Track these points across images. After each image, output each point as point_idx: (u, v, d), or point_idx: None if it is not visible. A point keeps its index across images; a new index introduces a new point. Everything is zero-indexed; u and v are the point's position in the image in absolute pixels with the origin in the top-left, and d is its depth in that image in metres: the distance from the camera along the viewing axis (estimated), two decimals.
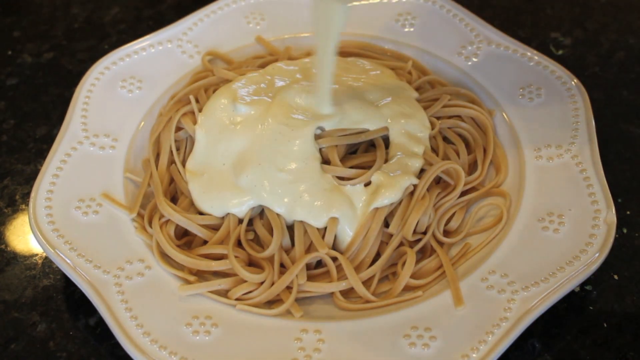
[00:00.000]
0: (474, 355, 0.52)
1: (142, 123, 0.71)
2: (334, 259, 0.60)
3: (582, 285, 0.61)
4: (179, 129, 0.69)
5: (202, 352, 0.54)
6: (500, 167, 0.67)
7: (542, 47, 0.84)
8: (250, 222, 0.63)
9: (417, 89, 0.73)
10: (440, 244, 0.63)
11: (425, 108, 0.70)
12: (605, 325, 0.59)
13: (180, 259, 0.60)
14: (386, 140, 0.66)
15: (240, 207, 0.62)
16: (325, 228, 0.61)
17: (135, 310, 0.56)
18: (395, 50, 0.79)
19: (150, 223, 0.62)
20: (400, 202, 0.62)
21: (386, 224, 0.62)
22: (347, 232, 0.61)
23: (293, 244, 0.61)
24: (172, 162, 0.68)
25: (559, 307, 0.59)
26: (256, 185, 0.62)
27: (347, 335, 0.55)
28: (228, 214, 0.62)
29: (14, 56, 0.87)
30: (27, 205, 0.65)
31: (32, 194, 0.63)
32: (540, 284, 0.56)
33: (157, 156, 0.68)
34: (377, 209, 0.61)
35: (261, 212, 0.63)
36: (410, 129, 0.67)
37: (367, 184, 0.62)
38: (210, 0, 0.83)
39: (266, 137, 0.64)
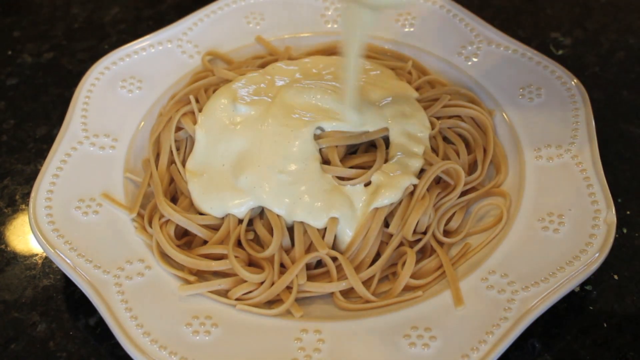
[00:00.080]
0: (474, 355, 0.52)
1: (142, 123, 0.71)
2: (334, 259, 0.60)
3: (582, 285, 0.61)
4: (179, 129, 0.69)
5: (202, 352, 0.54)
6: (500, 167, 0.67)
7: (542, 47, 0.84)
8: (250, 222, 0.63)
9: (417, 89, 0.73)
10: (440, 244, 0.63)
11: (425, 108, 0.70)
12: (605, 325, 0.59)
13: (180, 259, 0.60)
14: (386, 140, 0.66)
15: (240, 208, 0.62)
16: (325, 228, 0.61)
17: (135, 310, 0.56)
18: (395, 50, 0.79)
19: (150, 223, 0.62)
20: (400, 202, 0.62)
21: (386, 224, 0.62)
22: (347, 232, 0.61)
23: (293, 244, 0.61)
24: (172, 162, 0.68)
25: (559, 307, 0.59)
26: (255, 186, 0.62)
27: (347, 335, 0.55)
28: (228, 214, 0.62)
29: (14, 56, 0.87)
30: (27, 205, 0.65)
31: (32, 194, 0.63)
32: (540, 284, 0.56)
33: (157, 156, 0.68)
34: (377, 209, 0.61)
35: (261, 212, 0.63)
36: (410, 129, 0.67)
37: (367, 184, 0.62)
38: (210, 0, 0.83)
39: (266, 139, 0.64)
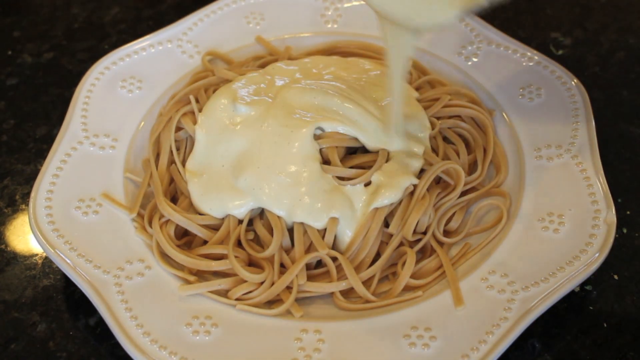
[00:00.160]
0: (474, 355, 0.52)
1: (142, 123, 0.71)
2: (334, 259, 0.60)
3: (582, 285, 0.61)
4: (179, 129, 0.69)
5: (202, 352, 0.54)
6: (500, 167, 0.67)
7: (542, 47, 0.84)
8: (250, 222, 0.63)
9: (417, 89, 0.73)
10: (440, 244, 0.63)
11: (426, 108, 0.70)
12: (605, 325, 0.59)
13: (180, 259, 0.60)
14: None
15: (240, 209, 0.62)
16: (325, 228, 0.61)
17: (135, 310, 0.56)
18: None
19: (150, 223, 0.62)
20: (400, 202, 0.62)
21: (386, 224, 0.62)
22: (347, 232, 0.61)
23: (293, 244, 0.61)
24: (172, 162, 0.68)
25: (559, 307, 0.59)
26: (255, 188, 0.62)
27: (347, 335, 0.55)
28: (228, 214, 0.62)
29: (14, 56, 0.87)
30: (27, 205, 0.65)
31: (32, 194, 0.63)
32: (540, 284, 0.56)
33: (157, 156, 0.68)
34: (377, 209, 0.61)
35: (261, 212, 0.63)
36: (410, 129, 0.67)
37: (367, 184, 0.62)
38: (210, 0, 0.83)
39: (266, 139, 0.64)
